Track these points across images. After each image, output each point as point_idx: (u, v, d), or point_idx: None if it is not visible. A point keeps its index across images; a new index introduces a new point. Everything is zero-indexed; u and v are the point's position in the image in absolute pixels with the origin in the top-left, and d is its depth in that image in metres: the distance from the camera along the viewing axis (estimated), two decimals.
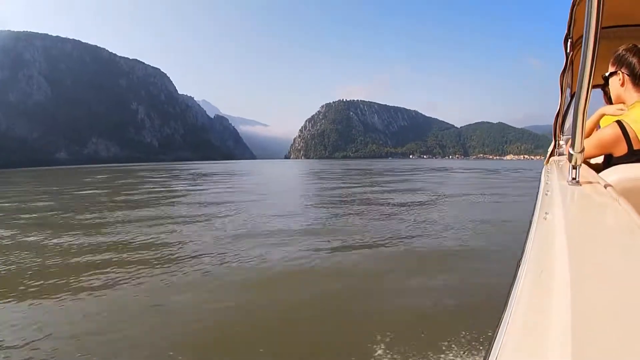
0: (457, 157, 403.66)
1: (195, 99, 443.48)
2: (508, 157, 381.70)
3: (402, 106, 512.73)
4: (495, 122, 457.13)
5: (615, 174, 1.50)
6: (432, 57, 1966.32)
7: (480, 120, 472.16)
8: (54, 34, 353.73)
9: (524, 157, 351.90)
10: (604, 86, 2.37)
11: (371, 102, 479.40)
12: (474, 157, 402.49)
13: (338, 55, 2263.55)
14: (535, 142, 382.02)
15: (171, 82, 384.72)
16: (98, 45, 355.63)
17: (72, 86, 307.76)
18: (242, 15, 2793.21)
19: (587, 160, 2.14)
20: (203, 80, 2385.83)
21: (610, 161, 1.82)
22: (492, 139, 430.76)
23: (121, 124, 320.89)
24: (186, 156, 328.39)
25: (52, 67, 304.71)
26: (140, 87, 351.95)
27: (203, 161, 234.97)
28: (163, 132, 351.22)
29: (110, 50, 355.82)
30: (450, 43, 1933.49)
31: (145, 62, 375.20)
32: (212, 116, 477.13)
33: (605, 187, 1.18)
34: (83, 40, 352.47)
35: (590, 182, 1.27)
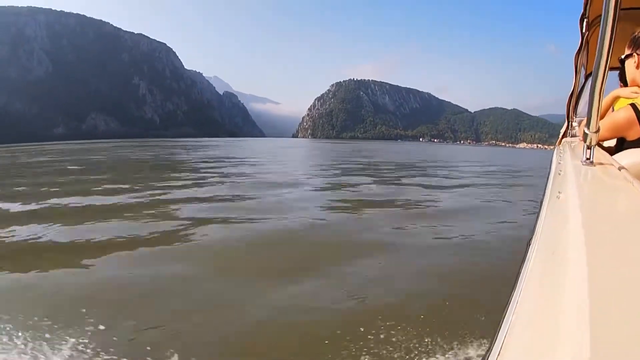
0: (469, 143, 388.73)
1: (204, 75, 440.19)
2: (521, 145, 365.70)
3: (414, 87, 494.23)
4: (509, 108, 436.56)
5: (629, 157, 1.48)
6: (446, 39, 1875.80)
7: (494, 106, 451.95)
8: (58, 9, 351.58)
9: (537, 146, 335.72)
10: (620, 69, 2.34)
11: (382, 82, 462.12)
12: (486, 143, 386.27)
13: (349, 33, 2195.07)
14: (550, 132, 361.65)
15: (177, 57, 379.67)
16: (103, 20, 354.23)
17: (73, 61, 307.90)
18: None
19: (600, 143, 2.08)
20: (216, 57, 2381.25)
21: (623, 144, 1.80)
22: (506, 126, 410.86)
23: (122, 100, 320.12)
24: (188, 132, 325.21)
25: (54, 43, 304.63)
26: (144, 62, 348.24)
27: (204, 138, 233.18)
28: (165, 108, 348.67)
29: (114, 25, 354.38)
30: (467, 25, 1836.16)
31: (151, 37, 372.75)
32: (222, 93, 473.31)
33: (619, 169, 1.16)
34: (88, 15, 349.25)
35: (604, 164, 1.25)
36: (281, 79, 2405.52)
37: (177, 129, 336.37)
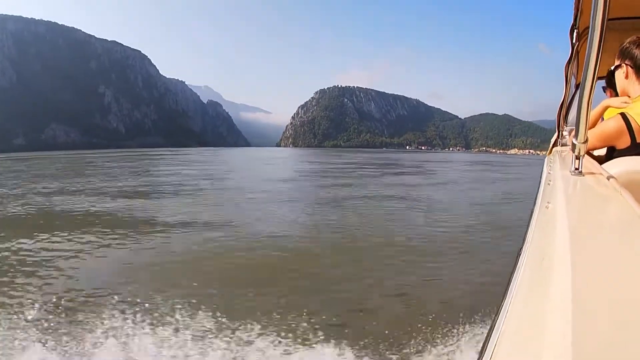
0: (458, 150, 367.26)
1: (191, 84, 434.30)
2: (512, 151, 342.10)
3: (402, 94, 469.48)
4: (500, 113, 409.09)
5: (618, 166, 1.49)
6: (437, 46, 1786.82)
7: (485, 112, 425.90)
8: (29, 16, 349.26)
9: (529, 152, 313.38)
10: (608, 81, 2.33)
11: (368, 89, 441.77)
12: (476, 150, 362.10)
13: (345, 42, 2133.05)
14: (542, 137, 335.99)
15: (152, 64, 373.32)
16: (75, 27, 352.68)
17: (39, 70, 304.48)
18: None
19: (590, 152, 2.12)
20: (210, 66, 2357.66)
21: (613, 153, 1.82)
22: (497, 132, 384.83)
23: (85, 109, 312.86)
24: (155, 142, 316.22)
25: (21, 52, 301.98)
26: (112, 70, 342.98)
27: (172, 148, 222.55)
28: (132, 117, 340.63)
29: (87, 32, 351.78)
30: (458, 31, 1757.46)
31: (124, 44, 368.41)
32: (206, 102, 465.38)
33: (608, 178, 1.17)
34: (60, 22, 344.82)
35: (593, 173, 1.27)
36: (275, 88, 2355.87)
37: (144, 138, 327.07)
